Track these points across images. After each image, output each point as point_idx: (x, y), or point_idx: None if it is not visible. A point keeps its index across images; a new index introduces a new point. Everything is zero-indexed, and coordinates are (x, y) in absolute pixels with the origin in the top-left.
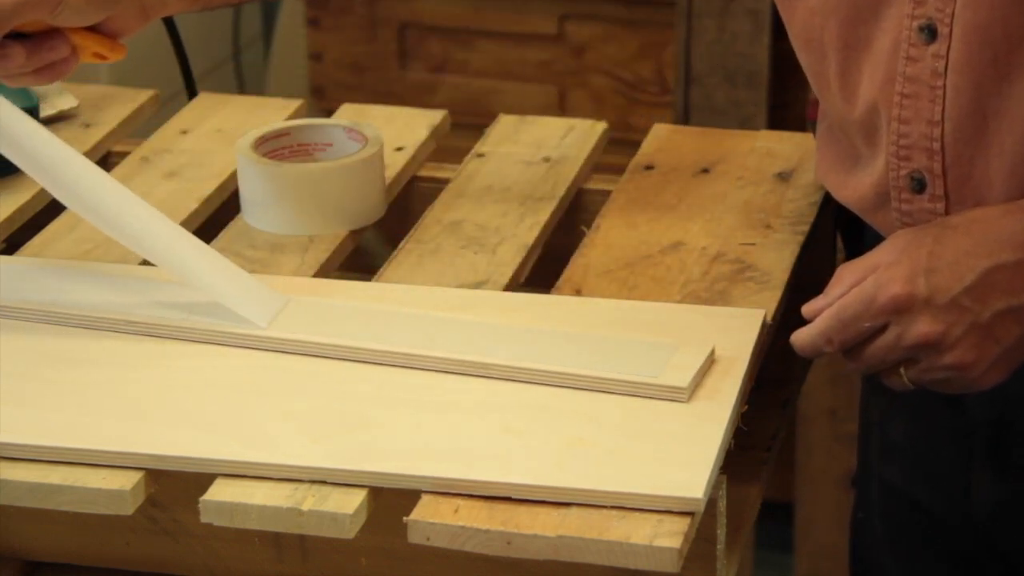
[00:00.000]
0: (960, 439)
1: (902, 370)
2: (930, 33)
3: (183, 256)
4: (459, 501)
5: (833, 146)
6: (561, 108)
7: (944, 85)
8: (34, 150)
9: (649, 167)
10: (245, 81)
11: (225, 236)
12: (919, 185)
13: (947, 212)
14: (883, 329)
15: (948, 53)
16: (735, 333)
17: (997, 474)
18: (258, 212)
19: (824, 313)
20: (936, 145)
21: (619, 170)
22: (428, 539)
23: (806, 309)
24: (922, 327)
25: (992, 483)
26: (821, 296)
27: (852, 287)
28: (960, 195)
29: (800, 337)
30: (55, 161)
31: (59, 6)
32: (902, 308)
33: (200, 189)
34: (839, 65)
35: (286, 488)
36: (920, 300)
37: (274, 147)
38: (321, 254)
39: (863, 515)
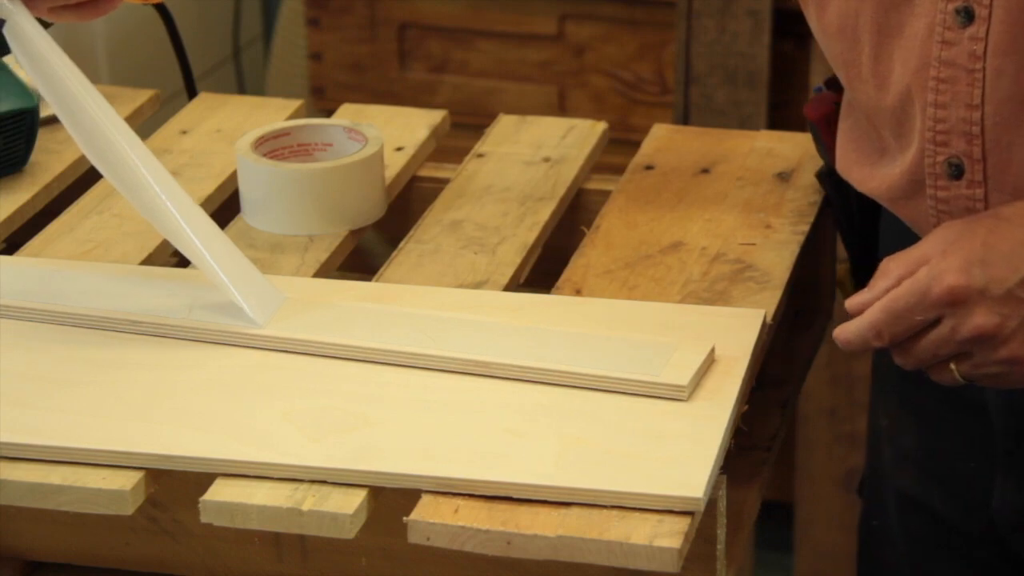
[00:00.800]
0: (980, 447)
1: (953, 365)
2: (967, 16)
3: (196, 233)
4: (459, 501)
5: (858, 139)
6: (561, 108)
7: (983, 68)
8: (67, 95)
9: (649, 167)
10: (245, 81)
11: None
12: (956, 171)
13: (986, 198)
14: (936, 322)
15: (987, 35)
16: (735, 333)
17: (1021, 482)
18: (258, 212)
19: (874, 306)
20: (976, 129)
21: (619, 170)
22: (428, 539)
23: (850, 303)
24: (977, 319)
25: (1016, 491)
26: (866, 290)
27: (901, 279)
28: (999, 180)
29: (847, 331)
30: (88, 112)
31: None
32: (958, 300)
33: (200, 189)
34: (873, 50)
35: (286, 488)
36: (975, 291)
37: (274, 147)
38: (321, 254)
39: (878, 523)
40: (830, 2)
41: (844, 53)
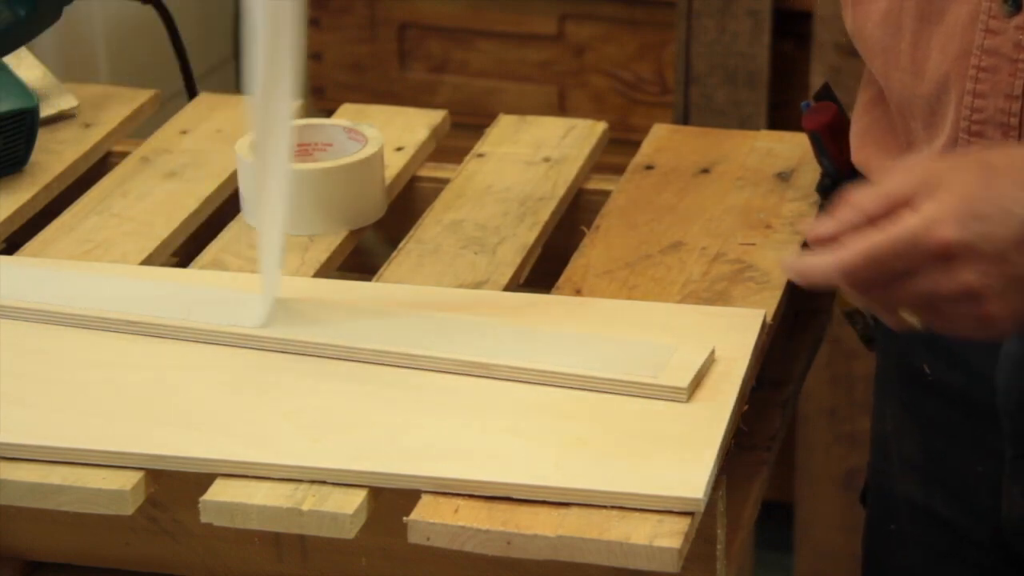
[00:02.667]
0: (987, 452)
1: (910, 312)
2: (1015, 4)
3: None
4: (459, 501)
5: (881, 133)
6: (561, 108)
7: None
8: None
9: (649, 167)
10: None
11: (225, 236)
12: None
13: None
14: (915, 271)
15: None
16: (735, 333)
17: None
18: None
19: (854, 248)
20: (1014, 120)
21: (619, 170)
22: (428, 539)
23: (812, 235)
24: (966, 277)
25: (1022, 496)
26: (829, 219)
27: (872, 218)
28: None
29: (810, 266)
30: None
31: None
32: (951, 255)
33: (200, 189)
34: (913, 37)
35: (286, 488)
36: (968, 248)
37: None
38: (321, 254)
39: (894, 527)
40: None
41: (884, 40)
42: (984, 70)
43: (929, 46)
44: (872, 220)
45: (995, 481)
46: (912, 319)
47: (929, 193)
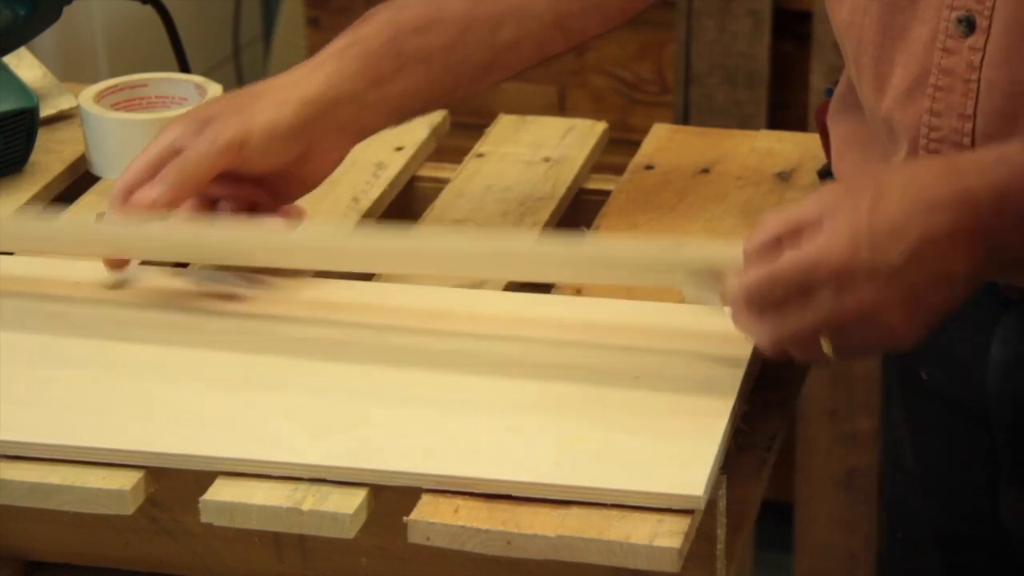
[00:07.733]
0: (983, 458)
1: (824, 340)
2: (968, 25)
3: None
4: (459, 501)
5: (856, 140)
6: (561, 108)
7: (979, 79)
8: None
9: (649, 167)
10: (245, 81)
11: None
12: None
13: None
14: (813, 294)
15: (985, 47)
16: (735, 333)
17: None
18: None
19: (756, 271)
20: (967, 140)
21: (619, 170)
22: (428, 539)
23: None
24: (862, 296)
25: (1019, 500)
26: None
27: (776, 236)
28: None
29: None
30: None
31: (243, 148)
32: (845, 279)
33: None
34: (876, 51)
35: (286, 488)
36: (861, 272)
37: (129, 96)
38: None
39: (901, 535)
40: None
41: (852, 50)
42: (940, 89)
43: (893, 61)
44: (779, 241)
45: (992, 486)
46: (825, 346)
47: (828, 219)
